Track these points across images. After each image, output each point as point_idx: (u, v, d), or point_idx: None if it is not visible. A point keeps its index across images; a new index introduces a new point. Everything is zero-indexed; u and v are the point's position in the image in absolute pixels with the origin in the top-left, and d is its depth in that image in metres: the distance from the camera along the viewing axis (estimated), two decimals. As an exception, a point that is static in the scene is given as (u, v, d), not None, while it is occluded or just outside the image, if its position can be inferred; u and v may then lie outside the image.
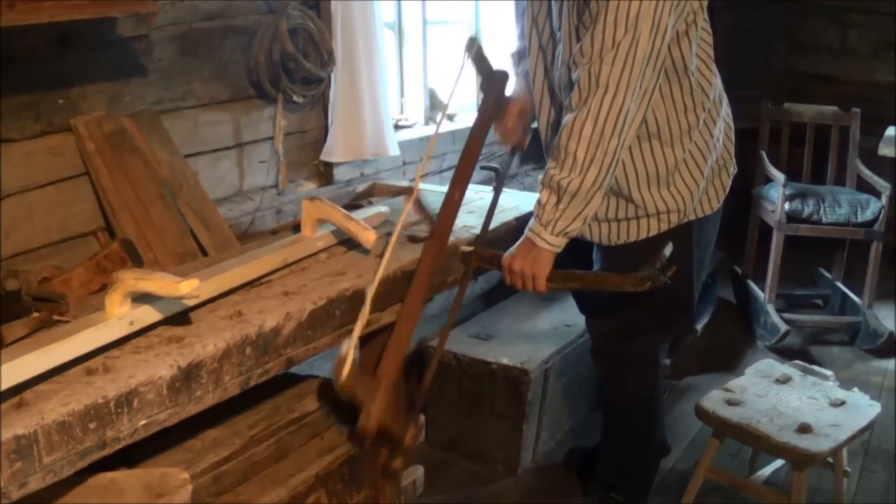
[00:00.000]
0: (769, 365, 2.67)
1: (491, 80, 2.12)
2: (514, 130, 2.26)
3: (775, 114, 4.14)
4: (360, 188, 2.97)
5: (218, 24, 2.48)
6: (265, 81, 2.59)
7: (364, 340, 2.04)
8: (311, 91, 2.74)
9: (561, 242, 1.99)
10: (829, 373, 2.61)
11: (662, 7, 1.83)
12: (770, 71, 4.95)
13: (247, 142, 2.64)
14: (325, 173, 2.94)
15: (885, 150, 3.74)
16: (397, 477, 1.93)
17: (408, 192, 1.77)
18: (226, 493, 1.73)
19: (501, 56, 2.35)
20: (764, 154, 4.05)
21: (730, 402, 2.43)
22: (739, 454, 2.83)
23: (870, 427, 2.43)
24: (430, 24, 3.52)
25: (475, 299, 3.51)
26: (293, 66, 2.61)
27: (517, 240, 2.08)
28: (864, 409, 2.42)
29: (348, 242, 2.05)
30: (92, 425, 1.32)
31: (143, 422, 1.41)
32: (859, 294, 3.91)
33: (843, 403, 2.43)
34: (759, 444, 2.35)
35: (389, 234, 1.93)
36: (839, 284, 4.10)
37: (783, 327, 3.68)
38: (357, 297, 1.83)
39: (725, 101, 2.21)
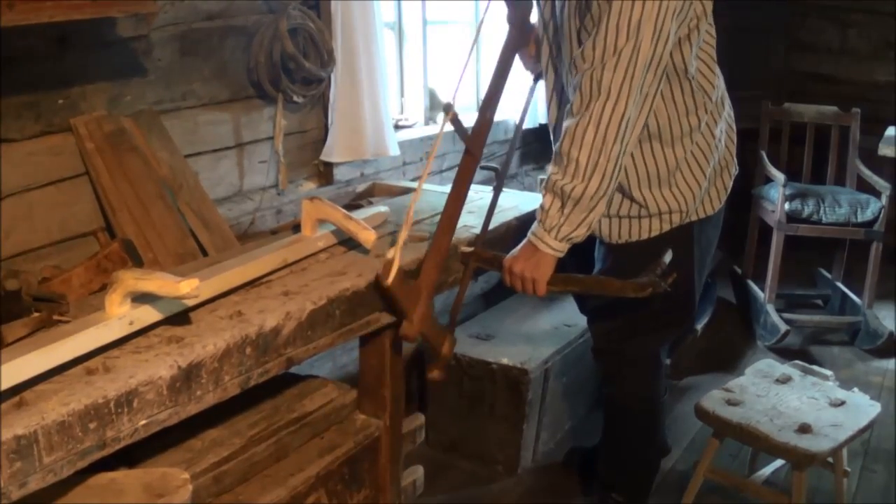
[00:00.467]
0: (769, 365, 2.67)
1: (517, 8, 2.11)
2: (538, 58, 2.25)
3: (775, 114, 4.14)
4: (360, 188, 2.97)
5: (218, 24, 2.48)
6: (265, 81, 2.59)
7: (364, 340, 2.04)
8: (311, 91, 2.74)
9: (564, 248, 2.00)
10: (829, 373, 2.61)
11: (665, 13, 1.83)
12: (770, 71, 4.95)
13: (247, 142, 2.64)
14: (325, 173, 2.94)
15: (885, 150, 3.74)
16: (439, 381, 2.00)
17: (445, 108, 1.81)
18: (226, 493, 1.73)
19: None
20: (764, 154, 4.05)
21: (730, 402, 2.43)
22: (739, 454, 2.83)
23: (870, 427, 2.43)
24: (430, 24, 3.52)
25: (475, 299, 3.51)
26: (293, 66, 2.61)
27: (517, 240, 2.08)
28: (864, 409, 2.42)
29: (348, 242, 2.05)
30: (92, 425, 1.32)
31: (143, 422, 1.41)
32: (859, 294, 3.91)
33: (843, 403, 2.43)
34: (759, 444, 2.35)
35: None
36: (839, 284, 4.11)
37: (783, 327, 3.68)
38: (357, 297, 1.83)
39: (728, 102, 2.21)
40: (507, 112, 3.57)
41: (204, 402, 1.52)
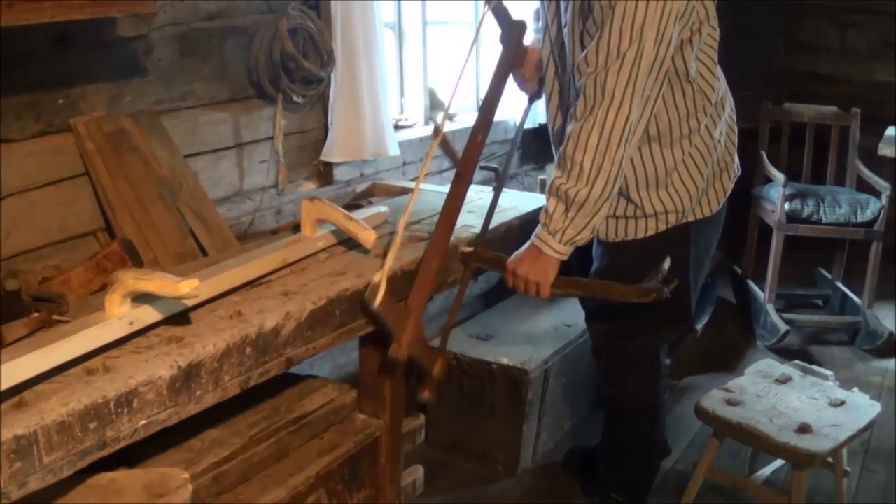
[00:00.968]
0: (769, 365, 2.67)
1: (510, 29, 2.11)
2: (532, 79, 2.27)
3: (775, 114, 4.14)
4: (360, 188, 2.97)
5: (218, 24, 2.48)
6: (265, 81, 2.59)
7: (364, 340, 2.04)
8: (311, 91, 2.74)
9: (568, 251, 2.00)
10: (828, 373, 2.61)
11: (668, 16, 1.83)
12: (770, 71, 4.95)
13: (247, 142, 2.64)
14: (324, 173, 2.94)
15: (885, 150, 3.75)
16: (427, 406, 2.00)
17: (434, 132, 1.82)
18: (226, 493, 1.73)
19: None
20: (764, 154, 4.05)
21: (730, 402, 2.43)
22: (739, 454, 2.83)
23: (870, 427, 2.43)
24: (430, 24, 3.52)
25: (475, 299, 3.51)
26: (293, 66, 2.61)
27: (517, 239, 2.08)
28: (864, 409, 2.42)
29: (348, 242, 2.05)
30: (92, 425, 1.32)
31: (143, 422, 1.41)
32: (859, 294, 3.91)
33: (843, 403, 2.43)
34: (759, 444, 2.35)
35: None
36: (839, 284, 4.11)
37: (783, 327, 3.68)
38: (357, 297, 1.83)
39: (729, 103, 2.21)
40: (507, 112, 3.57)
41: (204, 402, 1.52)
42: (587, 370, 3.04)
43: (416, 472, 2.26)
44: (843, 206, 3.75)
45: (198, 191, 2.35)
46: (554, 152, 2.29)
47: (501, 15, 2.08)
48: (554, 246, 1.98)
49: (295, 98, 2.69)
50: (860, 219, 3.73)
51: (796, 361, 2.71)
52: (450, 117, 3.57)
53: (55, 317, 1.56)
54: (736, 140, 2.25)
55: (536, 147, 3.77)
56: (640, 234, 2.17)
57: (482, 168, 3.13)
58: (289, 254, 1.92)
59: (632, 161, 2.07)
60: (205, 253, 2.25)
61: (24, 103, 2.05)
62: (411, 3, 3.45)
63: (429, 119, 3.56)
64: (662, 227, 2.15)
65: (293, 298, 1.73)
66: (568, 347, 2.96)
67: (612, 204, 2.14)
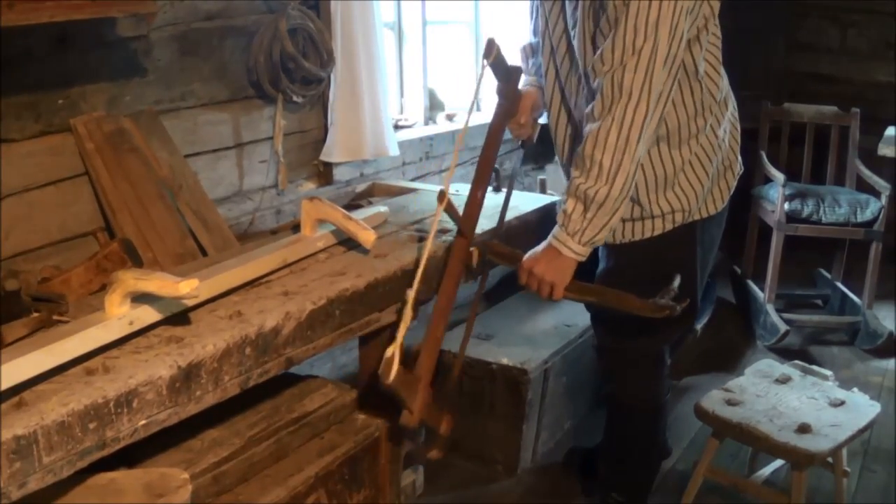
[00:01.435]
0: (769, 365, 2.67)
1: (508, 79, 2.12)
2: (526, 125, 2.29)
3: (775, 114, 4.14)
4: (360, 188, 2.97)
5: (218, 24, 2.48)
6: (265, 81, 2.59)
7: (364, 340, 2.04)
8: (311, 91, 2.74)
9: (586, 252, 2.00)
10: (828, 373, 2.61)
11: (679, 12, 1.84)
12: (770, 71, 4.95)
13: (246, 142, 2.63)
14: (324, 173, 2.94)
15: (884, 150, 3.74)
16: (436, 460, 1.99)
17: (439, 196, 1.82)
18: (226, 493, 1.73)
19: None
20: (764, 154, 4.05)
21: (729, 402, 2.43)
22: (739, 454, 2.83)
23: (870, 427, 2.43)
24: (429, 24, 3.52)
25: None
26: (293, 66, 2.61)
27: (517, 239, 2.08)
28: (863, 409, 2.42)
29: (348, 242, 2.05)
30: (92, 425, 1.32)
31: (143, 422, 1.41)
32: (859, 294, 3.91)
33: (842, 403, 2.43)
34: (759, 444, 2.35)
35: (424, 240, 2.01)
36: (839, 284, 4.10)
37: (783, 327, 3.68)
38: (357, 297, 1.83)
39: (732, 102, 2.22)
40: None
41: (204, 403, 1.52)
42: (587, 370, 3.04)
43: (416, 472, 2.26)
44: (842, 206, 3.75)
45: (198, 191, 2.35)
46: (556, 153, 2.29)
47: (499, 66, 2.09)
48: (572, 247, 1.98)
49: (295, 98, 2.69)
50: (860, 219, 3.73)
51: (796, 361, 2.71)
52: (449, 118, 3.58)
53: (55, 317, 1.56)
54: (739, 138, 2.25)
55: (536, 147, 3.77)
56: (647, 235, 2.17)
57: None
58: (289, 254, 1.92)
59: (641, 163, 2.07)
60: (205, 253, 2.25)
61: (24, 103, 2.05)
62: (411, 3, 3.45)
63: (428, 119, 3.56)
64: (669, 226, 2.15)
65: (293, 298, 1.73)
66: (568, 347, 2.96)
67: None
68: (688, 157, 2.09)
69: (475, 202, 2.00)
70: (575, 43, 2.04)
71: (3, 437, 1.21)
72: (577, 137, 2.16)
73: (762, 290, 3.90)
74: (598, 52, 1.91)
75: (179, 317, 1.60)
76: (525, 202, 2.57)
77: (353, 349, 2.71)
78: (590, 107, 1.96)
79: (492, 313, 3.21)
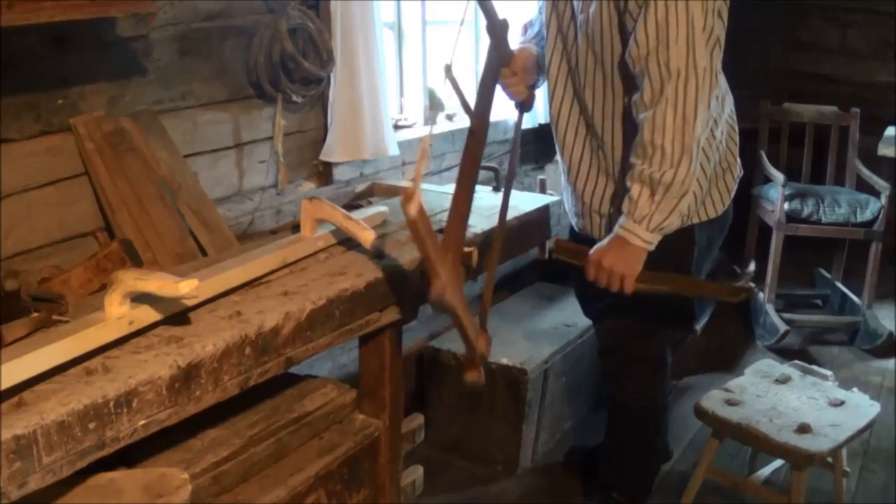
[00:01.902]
0: (769, 365, 2.67)
1: (496, 23, 2.07)
2: (519, 82, 2.22)
3: (775, 114, 4.14)
4: (360, 188, 2.97)
5: (218, 24, 2.47)
6: (265, 81, 2.59)
7: (364, 340, 2.04)
8: (311, 91, 2.73)
9: (655, 239, 1.96)
10: (828, 373, 2.61)
11: None
12: (770, 71, 4.95)
13: (246, 142, 2.63)
14: (324, 173, 2.93)
15: (884, 150, 3.75)
16: (477, 387, 1.82)
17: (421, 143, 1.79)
18: (225, 493, 1.73)
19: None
20: (763, 154, 4.05)
21: (729, 402, 2.43)
22: (739, 454, 2.83)
23: (869, 427, 2.43)
24: (429, 24, 3.52)
25: (475, 299, 3.50)
26: (293, 66, 2.61)
27: (517, 239, 2.08)
28: (863, 409, 2.42)
29: (348, 242, 2.05)
30: (91, 425, 1.32)
31: (143, 422, 1.41)
32: (859, 294, 3.91)
33: (842, 403, 2.43)
34: (759, 444, 2.35)
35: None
36: (839, 284, 4.11)
37: (783, 327, 3.68)
38: (357, 297, 1.83)
39: (730, 103, 2.20)
40: (506, 112, 3.57)
41: (203, 402, 1.52)
42: (587, 370, 3.04)
43: (416, 472, 2.26)
44: (842, 206, 3.76)
45: (197, 191, 2.35)
46: (555, 141, 2.28)
47: (489, 10, 2.06)
48: (641, 234, 1.94)
49: (295, 98, 2.69)
50: (860, 219, 3.74)
51: (796, 361, 2.71)
52: (450, 118, 3.57)
53: (55, 317, 1.55)
54: (737, 140, 2.24)
55: (536, 147, 3.77)
56: None
57: (482, 168, 3.12)
58: (289, 254, 1.92)
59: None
60: (204, 253, 2.25)
61: (24, 103, 2.05)
62: (411, 3, 3.45)
63: (428, 119, 3.55)
64: (667, 230, 2.15)
65: (293, 298, 1.73)
66: (568, 347, 2.96)
67: (613, 198, 2.13)
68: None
69: (485, 108, 1.94)
70: (592, 34, 2.02)
71: (3, 437, 1.21)
72: (589, 130, 2.15)
73: (762, 290, 3.90)
74: (632, 37, 1.89)
75: (179, 317, 1.59)
76: (525, 202, 2.57)
77: (353, 349, 2.71)
78: (636, 95, 1.93)
79: (492, 313, 3.20)
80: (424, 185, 2.91)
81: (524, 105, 2.29)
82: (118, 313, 1.49)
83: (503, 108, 3.57)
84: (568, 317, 3.11)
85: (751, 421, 2.33)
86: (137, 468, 1.60)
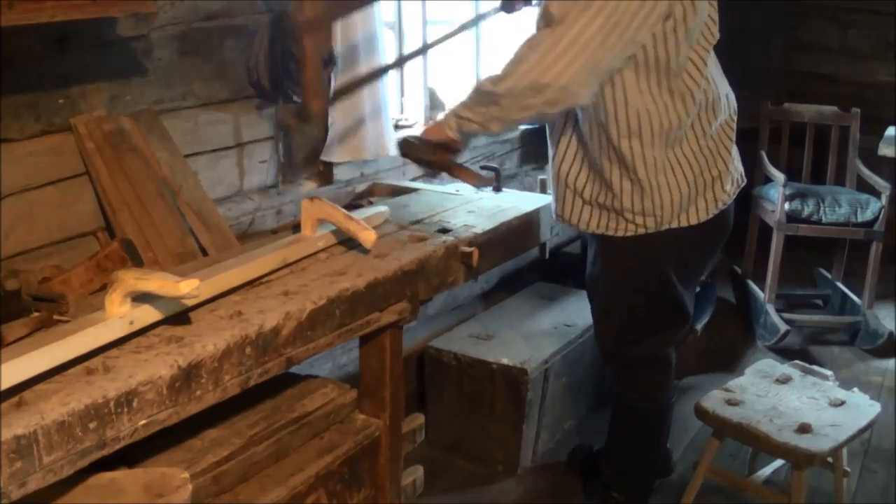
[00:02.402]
0: (769, 365, 2.67)
1: None
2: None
3: (775, 114, 4.14)
4: (360, 188, 2.97)
5: (218, 24, 2.47)
6: (265, 81, 2.59)
7: (364, 340, 2.04)
8: (311, 91, 2.73)
9: (457, 134, 2.12)
10: (828, 373, 2.61)
11: None
12: (770, 71, 4.95)
13: (247, 142, 2.63)
14: (325, 173, 2.93)
15: (885, 150, 3.75)
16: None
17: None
18: (226, 492, 1.73)
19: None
20: (764, 154, 4.05)
21: (730, 402, 2.43)
22: (739, 454, 2.83)
23: (870, 427, 2.43)
24: (430, 24, 3.52)
25: (475, 299, 3.50)
26: (293, 66, 2.61)
27: (517, 239, 2.08)
28: (864, 409, 2.42)
29: (348, 242, 2.05)
30: (92, 425, 1.32)
31: (143, 421, 1.41)
32: (859, 294, 3.91)
33: (842, 403, 2.43)
34: (759, 444, 2.35)
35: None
36: (839, 284, 4.11)
37: (783, 327, 3.68)
38: (357, 297, 1.83)
39: (726, 112, 2.18)
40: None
41: (204, 402, 1.52)
42: (587, 370, 3.05)
43: (416, 472, 2.26)
44: (843, 206, 3.75)
45: (198, 190, 2.35)
46: (548, 131, 2.29)
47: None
48: (449, 121, 2.12)
49: (295, 98, 2.68)
50: (860, 219, 3.74)
51: (796, 361, 2.71)
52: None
53: (55, 316, 1.55)
54: (732, 149, 2.22)
55: (536, 147, 3.77)
56: (620, 233, 2.19)
57: (482, 168, 3.13)
58: (289, 254, 1.92)
59: (613, 149, 2.09)
60: (205, 253, 2.25)
61: (24, 103, 2.05)
62: (411, 3, 3.44)
63: (429, 119, 3.55)
64: (642, 230, 2.16)
65: (293, 298, 1.73)
66: (568, 347, 2.96)
67: (591, 184, 2.18)
68: (662, 159, 2.09)
69: None
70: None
71: (3, 437, 1.21)
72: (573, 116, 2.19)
73: (762, 290, 3.90)
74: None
75: (180, 316, 1.60)
76: (525, 202, 2.57)
77: (353, 349, 2.71)
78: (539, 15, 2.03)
79: (492, 313, 3.21)
80: (425, 186, 2.92)
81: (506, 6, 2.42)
82: (119, 313, 1.49)
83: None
84: (568, 317, 3.11)
85: (751, 421, 2.33)
86: (138, 468, 1.60)
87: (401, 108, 3.49)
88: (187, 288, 1.46)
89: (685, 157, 2.11)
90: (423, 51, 2.68)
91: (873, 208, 3.74)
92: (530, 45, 1.98)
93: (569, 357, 2.97)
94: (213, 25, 2.46)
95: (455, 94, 3.69)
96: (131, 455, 1.59)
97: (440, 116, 2.22)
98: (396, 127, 3.26)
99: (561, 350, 2.93)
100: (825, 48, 4.99)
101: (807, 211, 3.75)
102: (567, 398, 3.03)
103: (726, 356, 3.69)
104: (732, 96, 2.23)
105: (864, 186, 3.96)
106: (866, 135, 4.05)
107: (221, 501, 1.71)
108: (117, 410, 1.36)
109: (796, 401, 2.45)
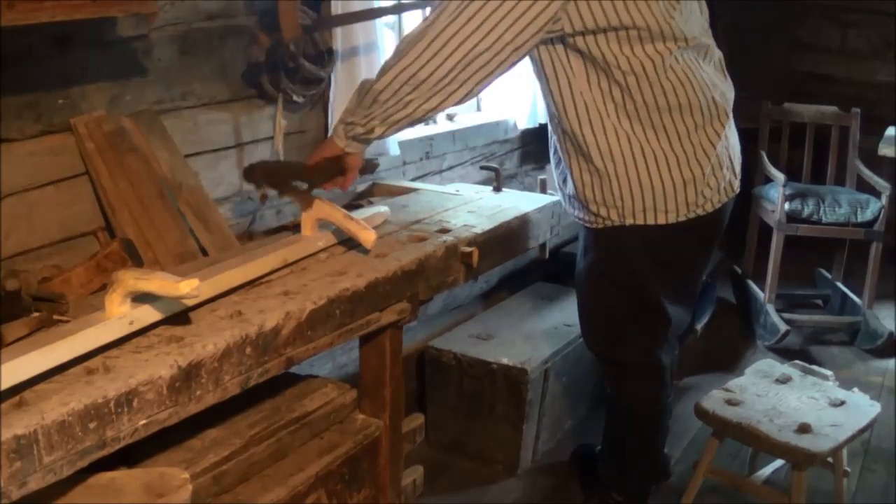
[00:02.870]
0: (769, 365, 2.67)
1: None
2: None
3: (775, 114, 4.14)
4: (360, 188, 2.97)
5: (218, 24, 2.47)
6: (265, 81, 2.59)
7: (364, 340, 2.04)
8: (311, 91, 2.73)
9: (345, 141, 2.06)
10: (829, 373, 2.61)
11: None
12: (770, 71, 4.95)
13: (247, 142, 2.63)
14: (324, 173, 2.93)
15: (885, 150, 3.75)
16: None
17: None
18: (226, 492, 1.73)
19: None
20: (764, 154, 4.05)
21: (730, 402, 2.43)
22: (739, 454, 2.83)
23: (870, 427, 2.43)
24: (430, 24, 3.52)
25: (475, 299, 3.50)
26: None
27: (517, 240, 2.08)
28: (864, 409, 2.42)
29: (348, 242, 2.06)
30: (92, 425, 1.32)
31: (143, 421, 1.41)
32: (859, 294, 3.91)
33: (843, 403, 2.43)
34: (759, 444, 2.35)
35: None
36: (839, 284, 4.11)
37: (783, 327, 3.68)
38: (357, 297, 1.83)
39: (706, 117, 2.09)
40: (507, 112, 3.57)
41: (204, 402, 1.52)
42: (587, 370, 3.04)
43: (416, 472, 2.26)
44: (843, 206, 3.76)
45: (198, 191, 2.35)
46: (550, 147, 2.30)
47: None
48: (338, 130, 2.07)
49: (295, 98, 2.68)
50: (860, 219, 3.74)
51: (796, 361, 2.71)
52: (450, 118, 3.57)
53: (55, 316, 1.55)
54: (712, 156, 2.11)
55: (536, 147, 3.77)
56: (590, 225, 2.20)
57: (482, 168, 3.13)
58: (289, 254, 1.92)
59: (571, 136, 2.09)
60: (205, 253, 2.25)
61: (24, 103, 2.05)
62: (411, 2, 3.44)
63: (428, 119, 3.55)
64: (609, 223, 2.15)
65: (293, 298, 1.73)
66: (568, 347, 2.96)
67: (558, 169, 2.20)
68: (618, 150, 2.05)
69: None
70: None
71: (3, 437, 1.21)
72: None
73: (762, 290, 3.90)
74: None
75: (180, 316, 1.60)
76: (525, 202, 2.57)
77: (353, 349, 2.71)
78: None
79: (492, 313, 3.21)
80: (425, 185, 2.92)
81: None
82: (119, 313, 1.49)
83: (503, 109, 3.58)
84: (568, 317, 3.10)
85: (751, 421, 2.33)
86: (138, 468, 1.60)
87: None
88: (187, 288, 1.46)
89: (651, 152, 2.05)
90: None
91: (873, 208, 3.74)
92: (409, 39, 1.94)
93: (569, 357, 2.96)
94: (213, 25, 2.46)
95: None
96: (131, 455, 1.59)
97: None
98: (396, 127, 3.26)
99: (561, 350, 2.93)
100: (825, 48, 4.99)
101: (807, 211, 3.75)
102: (567, 398, 3.03)
103: (726, 356, 3.69)
104: (726, 102, 2.14)
105: (864, 186, 3.96)
106: (866, 135, 4.05)
107: (221, 501, 1.71)
108: (117, 410, 1.36)
109: (796, 401, 2.45)
